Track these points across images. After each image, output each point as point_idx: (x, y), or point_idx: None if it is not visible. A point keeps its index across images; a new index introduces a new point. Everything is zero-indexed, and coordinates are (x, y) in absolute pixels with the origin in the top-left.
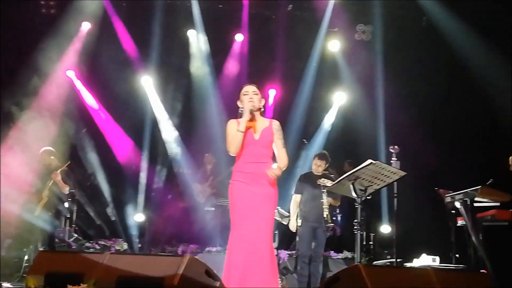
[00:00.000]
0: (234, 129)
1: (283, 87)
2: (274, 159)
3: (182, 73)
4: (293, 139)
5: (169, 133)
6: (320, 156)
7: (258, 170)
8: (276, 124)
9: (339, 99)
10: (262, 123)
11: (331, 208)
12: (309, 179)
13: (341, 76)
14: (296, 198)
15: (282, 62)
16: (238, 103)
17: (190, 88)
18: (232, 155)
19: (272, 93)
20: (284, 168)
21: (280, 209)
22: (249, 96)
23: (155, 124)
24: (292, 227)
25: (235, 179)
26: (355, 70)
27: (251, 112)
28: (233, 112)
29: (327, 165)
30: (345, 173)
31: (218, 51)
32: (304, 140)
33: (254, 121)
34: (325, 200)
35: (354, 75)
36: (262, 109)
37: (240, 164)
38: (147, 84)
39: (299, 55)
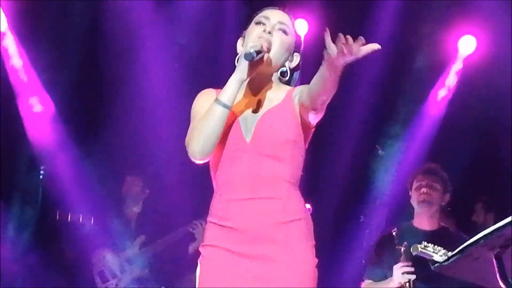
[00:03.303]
0: (207, 102)
1: (324, 16)
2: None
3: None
4: (350, 141)
5: (44, 129)
6: (430, 174)
7: (258, 217)
8: (297, 90)
9: (466, 47)
10: (273, 98)
11: None
12: (402, 242)
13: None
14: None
15: None
16: (239, 44)
17: (94, 35)
18: (197, 160)
19: (300, 28)
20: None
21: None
22: (266, 29)
23: (11, 111)
24: None
25: (208, 243)
26: None
27: (257, 67)
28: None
29: (444, 199)
30: (478, 226)
31: None
32: (378, 147)
33: (258, 95)
34: None
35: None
36: (287, 77)
37: (217, 205)
38: None
39: None
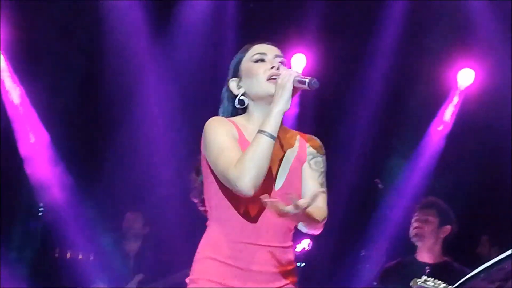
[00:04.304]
0: (229, 134)
1: (323, 50)
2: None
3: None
4: (350, 175)
5: (43, 166)
6: (425, 208)
7: (269, 262)
8: (315, 144)
9: (464, 80)
10: (290, 142)
11: None
12: (405, 275)
13: (470, 34)
14: None
15: None
16: (233, 86)
17: (92, 71)
18: (248, 194)
19: (297, 62)
20: (322, 222)
21: None
22: (274, 65)
23: (9, 149)
24: None
25: (211, 278)
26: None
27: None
28: (202, 112)
29: (443, 231)
30: (482, 259)
31: None
32: (377, 181)
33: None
34: None
35: (497, 33)
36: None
37: (224, 244)
38: None
39: None
